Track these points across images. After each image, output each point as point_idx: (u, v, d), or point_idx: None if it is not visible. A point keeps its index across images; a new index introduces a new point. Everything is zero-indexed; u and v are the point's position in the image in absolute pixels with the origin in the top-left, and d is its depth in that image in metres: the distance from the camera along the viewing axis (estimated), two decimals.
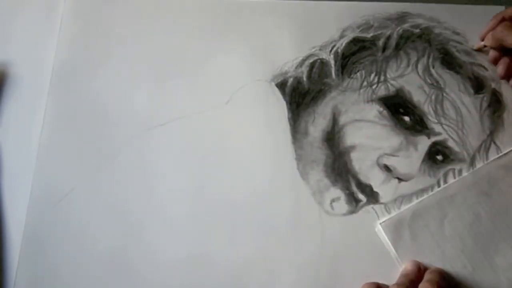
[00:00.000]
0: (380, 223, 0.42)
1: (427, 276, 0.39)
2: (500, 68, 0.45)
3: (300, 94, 0.46)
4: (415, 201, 0.43)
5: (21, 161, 0.46)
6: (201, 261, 0.43)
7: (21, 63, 0.49)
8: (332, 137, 0.45)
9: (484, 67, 0.47)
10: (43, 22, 0.50)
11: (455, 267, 0.41)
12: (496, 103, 0.46)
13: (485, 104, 0.45)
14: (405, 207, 0.43)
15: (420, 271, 0.40)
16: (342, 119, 0.45)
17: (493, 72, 0.46)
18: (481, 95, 0.46)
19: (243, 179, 0.44)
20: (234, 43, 0.48)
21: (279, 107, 0.46)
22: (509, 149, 0.44)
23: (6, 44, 0.50)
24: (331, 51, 0.47)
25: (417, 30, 0.48)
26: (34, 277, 0.43)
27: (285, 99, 0.46)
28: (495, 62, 0.46)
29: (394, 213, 0.43)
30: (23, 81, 0.49)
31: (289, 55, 0.47)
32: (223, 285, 0.41)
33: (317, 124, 0.45)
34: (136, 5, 0.50)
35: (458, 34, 0.48)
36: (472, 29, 0.48)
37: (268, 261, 0.42)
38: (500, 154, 0.44)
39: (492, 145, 0.44)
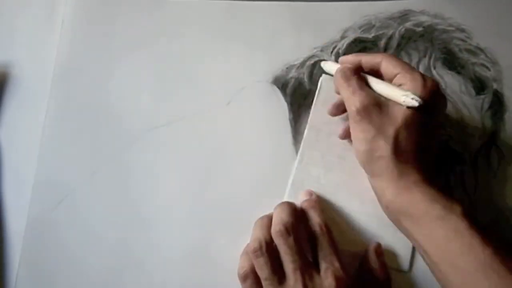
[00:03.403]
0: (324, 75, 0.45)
1: (312, 218, 0.40)
2: None
3: (301, 95, 0.46)
4: None
5: (22, 161, 0.47)
6: (203, 259, 0.43)
7: (22, 63, 0.49)
8: None
9: (486, 67, 0.46)
10: (44, 22, 0.50)
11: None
12: (497, 104, 0.45)
13: (486, 105, 0.45)
14: None
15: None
16: None
17: (495, 73, 0.46)
18: (482, 96, 0.45)
19: (244, 179, 0.45)
20: (235, 44, 0.48)
21: (280, 108, 0.46)
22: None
23: (8, 44, 0.50)
24: (332, 52, 0.47)
25: (420, 29, 0.47)
26: (35, 278, 0.43)
27: (286, 100, 0.46)
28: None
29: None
30: (24, 82, 0.49)
31: (290, 56, 0.47)
32: (224, 282, 0.42)
33: None
34: (138, 5, 0.50)
35: (463, 31, 0.47)
36: (479, 23, 0.47)
37: None
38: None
39: (494, 147, 0.44)
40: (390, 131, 0.36)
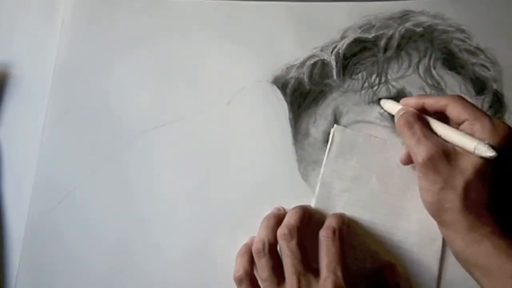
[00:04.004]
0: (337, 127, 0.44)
1: (328, 221, 0.40)
2: None
3: (301, 95, 0.46)
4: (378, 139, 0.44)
5: (22, 161, 0.47)
6: (203, 259, 0.43)
7: (22, 63, 0.49)
8: None
9: (486, 67, 0.46)
10: (44, 22, 0.50)
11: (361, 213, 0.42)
12: (497, 105, 0.45)
13: (486, 106, 0.45)
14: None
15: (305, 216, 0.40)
16: (343, 120, 0.45)
17: (495, 73, 0.46)
18: (482, 97, 0.45)
19: (244, 179, 0.45)
20: (235, 44, 0.48)
21: (280, 108, 0.46)
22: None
23: (7, 44, 0.50)
24: (332, 52, 0.47)
25: (420, 29, 0.47)
26: (35, 278, 0.43)
27: (286, 100, 0.46)
28: None
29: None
30: (24, 82, 0.49)
31: (290, 56, 0.47)
32: (224, 282, 0.42)
33: (318, 125, 0.45)
34: (137, 5, 0.50)
35: (463, 31, 0.47)
36: (479, 23, 0.47)
37: None
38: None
39: None
40: (460, 182, 0.35)
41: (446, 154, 0.36)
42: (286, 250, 0.37)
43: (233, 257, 0.41)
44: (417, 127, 0.38)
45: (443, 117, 0.39)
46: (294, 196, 0.44)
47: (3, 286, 0.43)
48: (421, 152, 0.36)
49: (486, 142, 0.34)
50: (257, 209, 0.43)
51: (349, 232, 0.41)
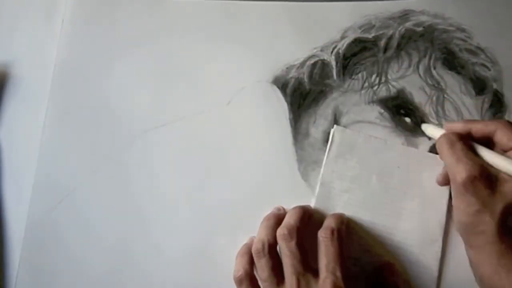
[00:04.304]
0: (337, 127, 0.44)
1: (327, 221, 0.39)
2: None
3: (301, 95, 0.46)
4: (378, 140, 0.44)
5: (22, 161, 0.47)
6: (203, 259, 0.43)
7: (22, 63, 0.49)
8: None
9: (486, 67, 0.46)
10: (44, 22, 0.50)
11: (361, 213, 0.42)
12: (497, 104, 0.45)
13: (486, 106, 0.45)
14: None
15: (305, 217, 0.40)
16: (343, 120, 0.45)
17: (495, 72, 0.46)
18: (482, 96, 0.45)
19: (244, 179, 0.44)
20: (235, 44, 0.48)
21: (280, 108, 0.46)
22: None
23: (7, 44, 0.50)
24: (332, 52, 0.47)
25: (420, 29, 0.47)
26: (35, 278, 0.43)
27: (286, 100, 0.46)
28: None
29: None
30: (24, 82, 0.49)
31: (290, 56, 0.47)
32: (224, 282, 0.42)
33: (318, 125, 0.45)
34: (137, 5, 0.50)
35: (463, 31, 0.47)
36: (479, 23, 0.47)
37: None
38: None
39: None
40: (499, 207, 0.34)
41: (488, 177, 0.35)
42: (286, 250, 0.37)
43: (233, 257, 0.41)
44: (458, 146, 0.37)
45: (489, 145, 0.38)
46: (294, 196, 0.43)
47: (3, 286, 0.43)
48: (460, 172, 0.35)
49: None
50: (257, 209, 0.43)
51: (349, 233, 0.41)
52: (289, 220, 0.39)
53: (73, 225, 0.44)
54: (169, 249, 0.43)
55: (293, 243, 0.37)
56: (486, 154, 0.37)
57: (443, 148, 0.38)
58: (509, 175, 0.35)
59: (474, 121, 0.39)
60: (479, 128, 0.38)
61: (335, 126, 0.44)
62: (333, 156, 0.43)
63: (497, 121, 0.38)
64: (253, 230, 0.42)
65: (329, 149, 0.44)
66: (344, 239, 0.39)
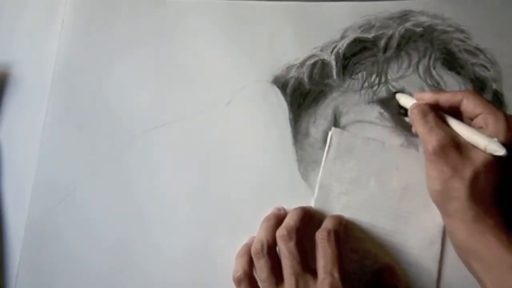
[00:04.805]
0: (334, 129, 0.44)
1: (324, 222, 0.40)
2: None
3: (301, 95, 0.46)
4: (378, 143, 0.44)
5: (22, 161, 0.47)
6: (203, 259, 0.43)
7: (23, 63, 0.49)
8: None
9: (486, 67, 0.46)
10: (44, 22, 0.50)
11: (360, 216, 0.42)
12: (497, 105, 0.45)
13: None
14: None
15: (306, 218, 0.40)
16: (343, 120, 0.45)
17: (494, 73, 0.46)
18: None
19: (243, 179, 0.45)
20: (235, 44, 0.48)
21: (280, 108, 0.46)
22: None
23: (8, 44, 0.50)
24: (332, 51, 0.47)
25: (420, 29, 0.47)
26: (35, 278, 0.43)
27: (286, 100, 0.46)
28: None
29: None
30: (24, 82, 0.49)
31: (290, 56, 0.47)
32: (224, 282, 0.42)
33: (318, 125, 0.45)
34: (137, 5, 0.50)
35: (462, 31, 0.47)
36: (478, 23, 0.47)
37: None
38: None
39: None
40: (468, 173, 0.35)
41: (458, 145, 0.36)
42: (285, 251, 0.37)
43: (233, 257, 0.41)
44: (430, 117, 0.38)
45: (456, 115, 0.39)
46: (294, 196, 0.44)
47: (3, 286, 0.43)
48: (432, 141, 0.36)
49: (497, 140, 0.35)
50: (257, 209, 0.43)
51: (348, 235, 0.41)
52: (289, 221, 0.39)
53: (73, 225, 0.44)
54: (169, 249, 0.44)
55: (292, 244, 0.37)
56: (455, 124, 0.38)
57: (416, 118, 0.39)
58: (472, 145, 0.36)
59: (442, 91, 0.41)
60: (446, 98, 0.39)
61: (333, 128, 0.44)
62: (331, 158, 0.43)
63: (464, 91, 0.40)
64: (253, 230, 0.42)
65: (327, 151, 0.44)
66: (342, 241, 0.39)
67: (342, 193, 0.43)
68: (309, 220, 0.41)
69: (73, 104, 0.47)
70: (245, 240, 0.42)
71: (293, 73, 0.47)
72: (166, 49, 0.48)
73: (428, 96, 0.40)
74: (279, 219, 0.41)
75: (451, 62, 0.46)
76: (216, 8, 0.49)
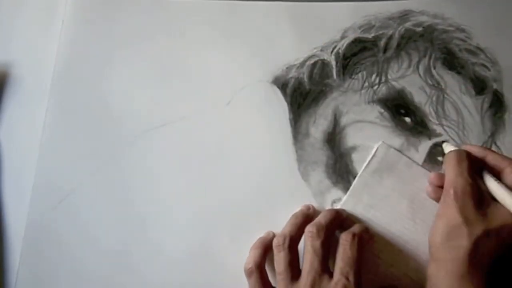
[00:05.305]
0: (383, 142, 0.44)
1: (354, 227, 0.40)
2: None
3: (301, 95, 0.46)
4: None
5: (22, 162, 0.46)
6: (203, 259, 0.43)
7: (22, 63, 0.49)
8: (333, 138, 0.45)
9: (486, 67, 0.46)
10: (44, 22, 0.50)
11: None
12: (497, 104, 0.45)
13: (486, 105, 0.45)
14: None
15: (337, 219, 0.40)
16: (343, 120, 0.45)
17: (495, 73, 0.46)
18: (482, 96, 0.45)
19: (243, 179, 0.44)
20: (235, 44, 0.48)
21: (280, 108, 0.46)
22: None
23: (7, 44, 0.50)
24: (332, 51, 0.47)
25: (420, 29, 0.47)
26: (35, 278, 0.43)
27: (286, 100, 0.46)
28: None
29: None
30: (24, 82, 0.49)
31: (290, 56, 0.47)
32: (224, 283, 0.42)
33: (318, 125, 0.45)
34: (137, 5, 0.50)
35: (462, 31, 0.47)
36: (479, 23, 0.47)
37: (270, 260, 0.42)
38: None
39: (493, 146, 0.44)
40: (479, 229, 0.34)
41: (480, 199, 0.35)
42: (310, 248, 0.38)
43: (234, 257, 0.41)
44: (464, 164, 0.37)
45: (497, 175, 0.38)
46: (294, 196, 0.44)
47: (3, 286, 0.43)
48: (456, 184, 0.36)
49: None
50: (257, 209, 0.43)
51: (372, 247, 0.41)
52: (321, 219, 0.39)
53: (73, 225, 0.44)
54: (169, 249, 0.43)
55: (318, 242, 0.38)
56: (490, 182, 0.37)
57: (450, 160, 0.38)
58: (502, 205, 0.35)
59: (493, 151, 0.39)
60: (494, 158, 0.38)
61: (381, 141, 0.44)
62: (370, 171, 0.43)
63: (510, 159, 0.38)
64: (253, 230, 0.42)
65: (369, 161, 0.43)
66: (364, 247, 0.39)
67: (370, 207, 0.42)
68: (339, 223, 0.41)
69: (73, 104, 0.47)
70: (246, 239, 0.42)
71: (293, 73, 0.47)
72: (166, 49, 0.48)
73: (476, 150, 0.39)
74: (307, 217, 0.41)
75: (452, 62, 0.46)
76: (216, 8, 0.49)
